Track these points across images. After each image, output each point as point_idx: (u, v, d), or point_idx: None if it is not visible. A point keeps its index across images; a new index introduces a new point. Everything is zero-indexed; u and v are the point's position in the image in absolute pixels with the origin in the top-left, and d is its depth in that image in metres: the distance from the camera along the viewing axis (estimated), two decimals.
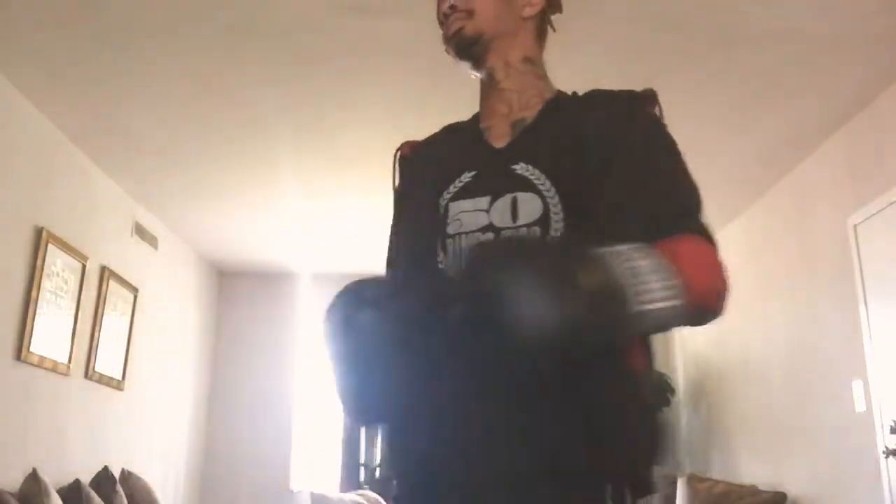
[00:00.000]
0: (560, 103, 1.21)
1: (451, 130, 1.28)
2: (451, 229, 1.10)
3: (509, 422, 0.94)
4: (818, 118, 3.61)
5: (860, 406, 3.49)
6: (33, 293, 3.56)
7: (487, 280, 0.87)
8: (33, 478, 3.23)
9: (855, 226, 3.54)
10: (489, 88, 1.23)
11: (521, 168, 1.09)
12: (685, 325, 1.03)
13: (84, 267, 4.08)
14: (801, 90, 3.35)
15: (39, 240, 3.62)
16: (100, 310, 4.28)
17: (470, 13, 1.18)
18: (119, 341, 4.57)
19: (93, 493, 3.63)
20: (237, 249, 5.86)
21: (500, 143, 1.17)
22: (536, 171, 1.09)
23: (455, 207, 1.11)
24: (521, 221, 1.06)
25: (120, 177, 4.42)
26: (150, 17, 2.86)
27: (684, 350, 6.15)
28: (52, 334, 3.76)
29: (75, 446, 4.01)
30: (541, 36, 1.29)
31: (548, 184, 1.07)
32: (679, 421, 6.11)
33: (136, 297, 4.75)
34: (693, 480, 4.67)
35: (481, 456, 0.95)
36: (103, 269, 4.32)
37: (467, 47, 1.20)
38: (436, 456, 0.99)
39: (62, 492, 3.48)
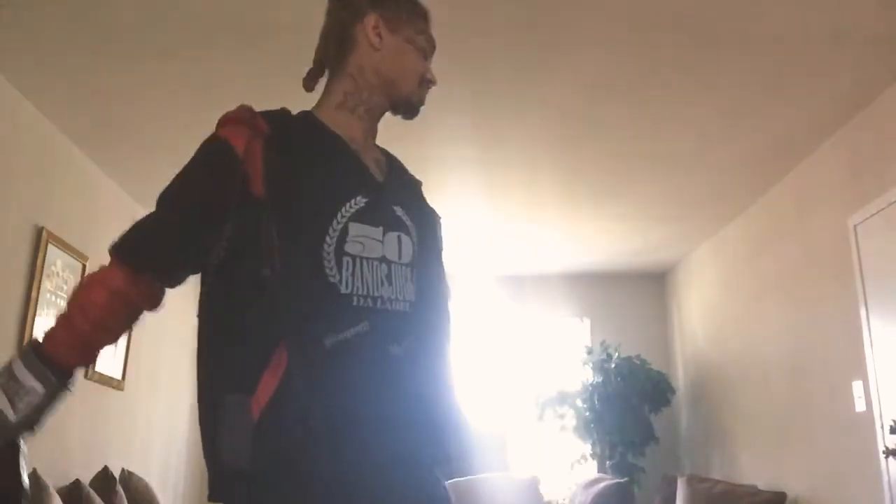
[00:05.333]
0: (390, 158, 1.39)
1: (313, 132, 1.27)
2: (350, 249, 1.16)
3: None
4: (818, 118, 3.61)
5: (860, 406, 3.49)
6: (33, 293, 3.56)
7: None
8: (33, 478, 3.23)
9: (855, 226, 3.54)
10: (372, 123, 1.35)
11: (399, 211, 1.26)
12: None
13: (84, 267, 4.08)
14: (801, 90, 3.35)
15: (39, 240, 3.62)
16: None
17: None
18: (119, 341, 4.56)
19: (93, 493, 3.63)
20: None
21: (377, 176, 1.28)
22: (407, 218, 1.27)
23: (355, 228, 1.17)
24: (403, 260, 1.22)
25: (120, 177, 4.42)
26: (150, 18, 2.86)
27: (684, 350, 6.15)
28: None
29: (75, 446, 4.01)
30: None
31: (413, 231, 1.27)
32: (679, 421, 6.11)
33: None
34: (693, 480, 4.68)
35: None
36: None
37: None
38: None
39: (62, 492, 3.47)
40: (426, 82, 1.36)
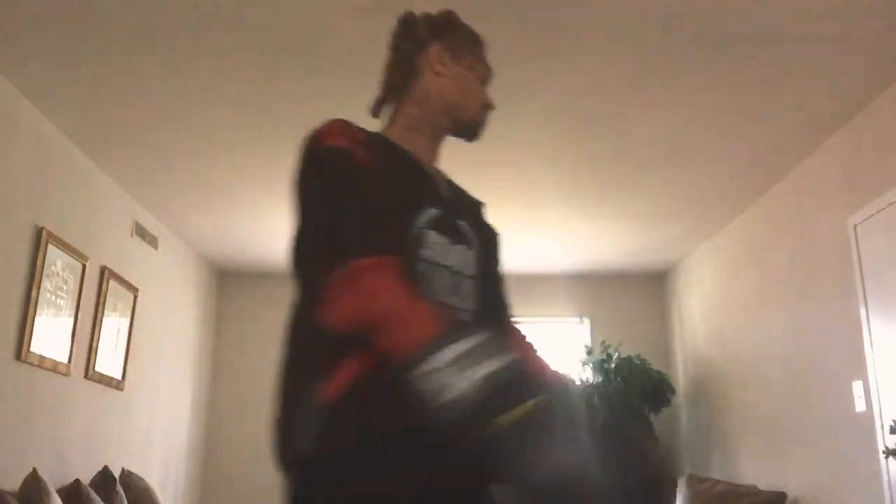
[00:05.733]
0: (450, 180, 1.44)
1: (387, 147, 1.33)
2: (425, 255, 1.21)
3: None
4: (818, 118, 3.61)
5: (860, 406, 3.49)
6: (33, 293, 3.56)
7: None
8: (33, 478, 3.23)
9: (855, 226, 3.54)
10: (436, 144, 1.42)
11: (463, 226, 1.32)
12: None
13: (84, 267, 4.08)
14: (801, 90, 3.36)
15: (39, 240, 3.62)
16: (100, 310, 4.28)
17: None
18: (119, 341, 4.57)
19: (93, 493, 3.63)
20: (237, 249, 5.86)
21: (443, 192, 1.35)
22: (471, 234, 1.33)
23: (431, 237, 1.23)
24: (467, 272, 1.28)
25: (120, 177, 4.42)
26: (150, 18, 2.86)
27: (684, 350, 6.15)
28: (52, 334, 3.77)
29: (75, 446, 4.01)
30: None
31: (476, 246, 1.33)
32: (680, 421, 6.11)
33: (136, 298, 4.75)
34: (693, 480, 4.68)
35: None
36: (103, 269, 4.32)
37: None
38: None
39: (62, 492, 3.48)
40: (486, 107, 1.43)
